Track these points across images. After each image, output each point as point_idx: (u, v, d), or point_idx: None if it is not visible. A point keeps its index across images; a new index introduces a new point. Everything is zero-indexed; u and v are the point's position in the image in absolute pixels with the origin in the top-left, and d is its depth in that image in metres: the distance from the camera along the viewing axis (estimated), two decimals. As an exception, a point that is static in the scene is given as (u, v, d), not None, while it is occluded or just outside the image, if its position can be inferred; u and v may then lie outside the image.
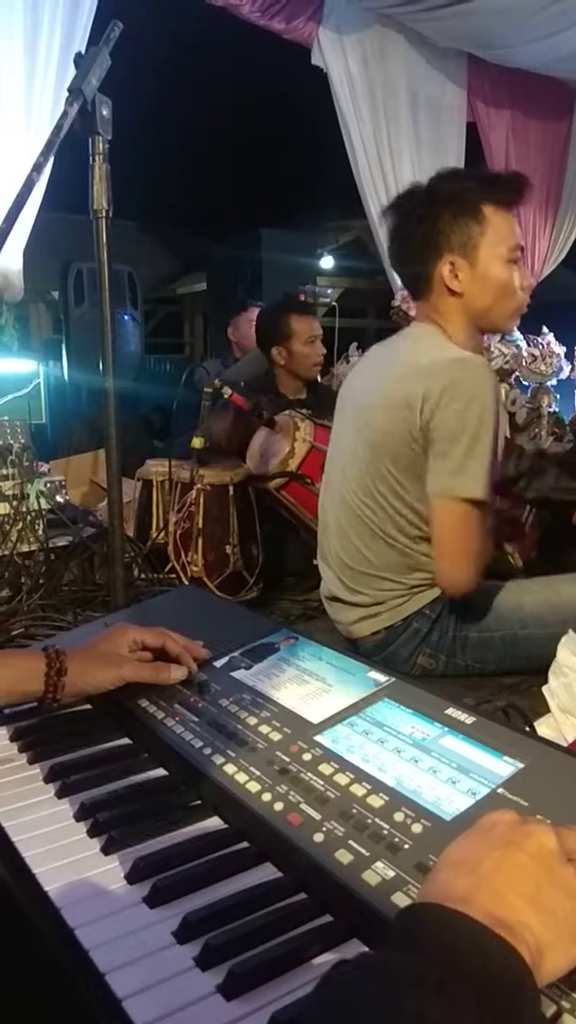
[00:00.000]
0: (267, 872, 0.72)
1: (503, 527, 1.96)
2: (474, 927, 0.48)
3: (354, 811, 0.72)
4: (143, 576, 2.38)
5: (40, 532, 2.32)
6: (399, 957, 0.48)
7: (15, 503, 2.28)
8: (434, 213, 1.60)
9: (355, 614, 1.70)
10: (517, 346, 3.78)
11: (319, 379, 3.42)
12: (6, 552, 2.23)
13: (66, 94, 1.66)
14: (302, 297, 4.12)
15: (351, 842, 0.69)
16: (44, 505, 2.35)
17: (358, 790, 0.74)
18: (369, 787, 0.75)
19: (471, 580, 1.57)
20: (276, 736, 0.85)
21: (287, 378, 3.02)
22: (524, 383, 3.82)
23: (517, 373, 3.73)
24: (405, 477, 1.58)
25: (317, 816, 0.73)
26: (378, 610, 1.67)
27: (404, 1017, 0.42)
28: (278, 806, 0.75)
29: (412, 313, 3.92)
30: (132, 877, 0.71)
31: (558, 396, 3.77)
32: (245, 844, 0.75)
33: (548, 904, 0.51)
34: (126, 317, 4.64)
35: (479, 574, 1.58)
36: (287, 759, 0.81)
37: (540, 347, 3.70)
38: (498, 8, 4.19)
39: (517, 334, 3.82)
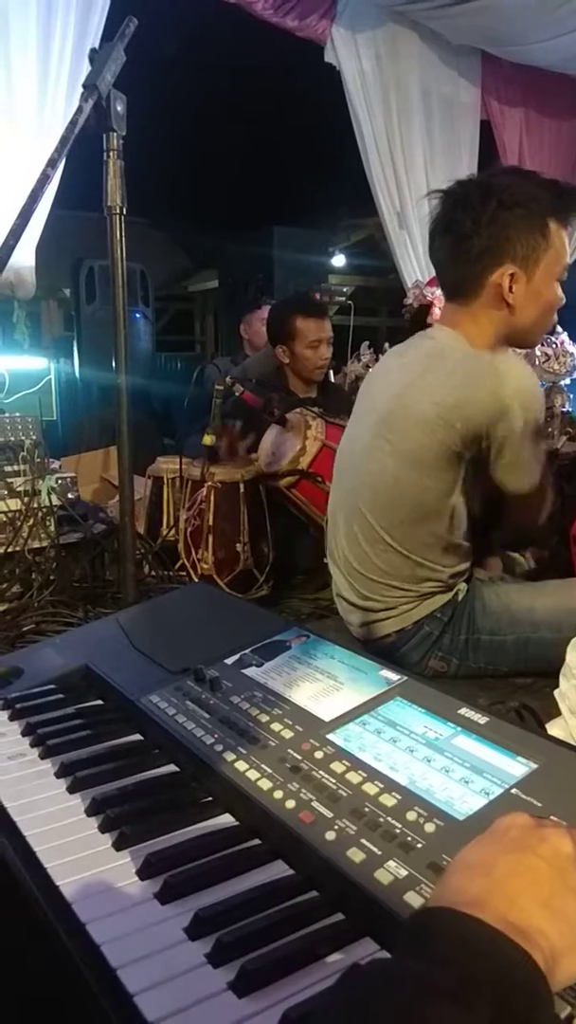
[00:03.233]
0: (278, 870, 0.72)
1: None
2: (488, 932, 0.47)
3: (366, 810, 0.72)
4: (153, 573, 2.38)
5: (51, 528, 2.33)
6: (413, 964, 0.47)
7: (27, 499, 2.29)
8: (504, 217, 1.50)
9: (364, 617, 1.68)
10: (529, 345, 3.76)
11: (331, 378, 3.40)
12: (17, 548, 2.24)
13: (80, 90, 1.66)
14: (317, 296, 4.10)
15: (363, 841, 0.69)
16: (55, 501, 2.36)
17: (370, 789, 0.74)
18: (381, 786, 0.74)
19: (539, 524, 1.73)
20: (288, 734, 0.85)
21: (294, 377, 3.01)
22: (537, 382, 3.79)
23: (529, 372, 3.71)
24: (433, 485, 1.55)
25: (329, 814, 0.72)
26: (388, 615, 1.65)
27: None
28: (290, 804, 0.75)
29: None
30: (143, 873, 0.71)
31: (571, 396, 3.75)
32: (256, 841, 0.75)
33: (562, 909, 0.51)
34: (137, 315, 4.66)
35: (544, 517, 1.72)
36: (299, 757, 0.81)
37: (553, 346, 3.68)
38: (509, 5, 4.18)
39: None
